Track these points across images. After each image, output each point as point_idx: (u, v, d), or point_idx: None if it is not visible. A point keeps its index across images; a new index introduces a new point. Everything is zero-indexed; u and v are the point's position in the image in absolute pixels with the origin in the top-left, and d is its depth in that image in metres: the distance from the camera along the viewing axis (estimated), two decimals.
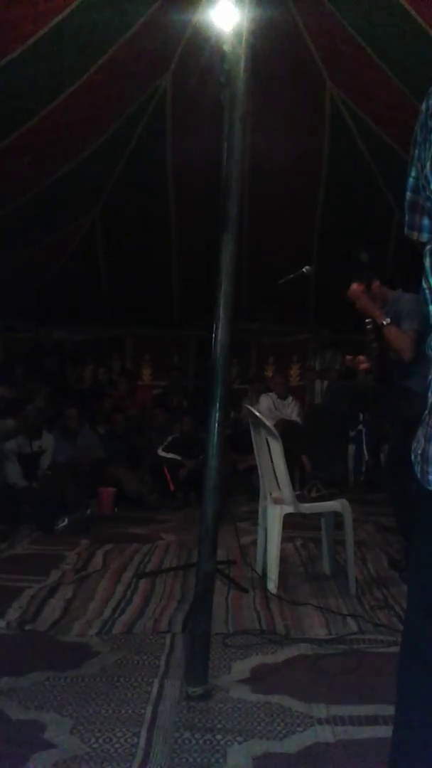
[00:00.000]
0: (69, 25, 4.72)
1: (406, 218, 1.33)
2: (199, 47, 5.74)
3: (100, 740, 2.14)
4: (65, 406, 6.91)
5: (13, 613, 3.30)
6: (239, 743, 2.14)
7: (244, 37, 2.80)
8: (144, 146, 7.01)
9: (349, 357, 4.44)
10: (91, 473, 6.49)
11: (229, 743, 2.14)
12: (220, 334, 2.64)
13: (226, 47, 2.99)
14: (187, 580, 3.83)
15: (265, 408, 7.58)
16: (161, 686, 2.53)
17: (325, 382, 8.13)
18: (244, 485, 6.65)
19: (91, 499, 5.98)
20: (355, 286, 3.97)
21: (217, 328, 2.64)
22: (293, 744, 2.15)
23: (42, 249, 7.71)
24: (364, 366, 4.16)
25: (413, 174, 1.29)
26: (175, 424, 7.60)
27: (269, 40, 5.31)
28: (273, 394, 8.00)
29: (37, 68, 4.93)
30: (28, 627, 3.14)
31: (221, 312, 2.64)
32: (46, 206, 6.72)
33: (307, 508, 3.84)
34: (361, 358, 4.15)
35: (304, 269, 4.93)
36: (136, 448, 7.45)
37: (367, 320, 3.98)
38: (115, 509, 6.22)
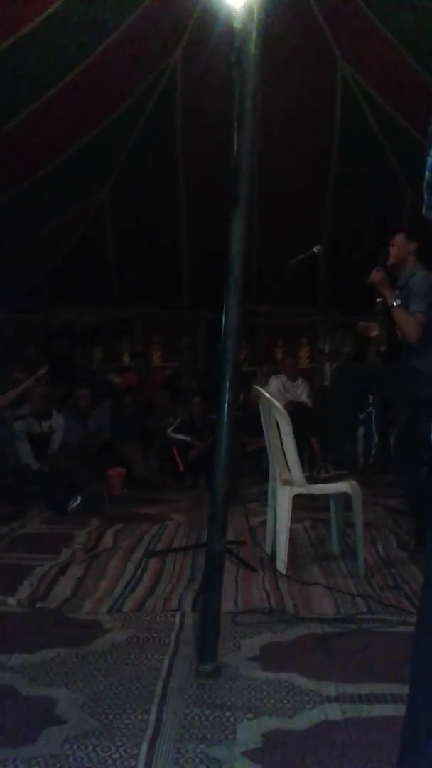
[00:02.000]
0: (79, 2, 4.67)
1: (426, 199, 1.30)
2: (210, 25, 5.67)
3: (111, 716, 2.16)
4: (76, 386, 6.91)
5: (24, 591, 3.33)
6: (249, 720, 2.16)
7: (255, 14, 2.76)
8: (153, 126, 6.95)
9: (362, 323, 4.43)
10: (101, 454, 6.53)
11: (238, 720, 2.16)
12: (230, 315, 2.63)
13: (237, 24, 2.96)
14: (197, 559, 3.85)
15: (274, 390, 7.57)
16: (171, 663, 2.55)
17: (335, 365, 8.13)
18: (253, 467, 6.66)
19: (100, 480, 6.01)
20: (375, 273, 3.96)
21: (227, 308, 2.62)
22: (303, 721, 2.16)
23: (51, 230, 7.68)
24: (374, 333, 4.17)
25: None
26: (185, 406, 7.61)
27: (280, 17, 5.24)
28: (282, 376, 7.99)
29: (46, 46, 4.89)
30: (39, 604, 3.17)
31: (231, 292, 2.63)
32: (55, 187, 6.68)
33: (316, 489, 3.85)
34: (373, 324, 4.15)
35: (314, 249, 4.88)
36: (146, 429, 7.47)
37: (378, 299, 3.98)
38: (125, 490, 6.24)
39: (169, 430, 7.15)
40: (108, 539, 4.42)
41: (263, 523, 4.36)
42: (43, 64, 5.08)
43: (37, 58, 4.95)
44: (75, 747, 1.98)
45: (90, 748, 1.97)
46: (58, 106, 5.51)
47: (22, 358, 8.09)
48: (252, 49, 2.68)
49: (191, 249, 8.58)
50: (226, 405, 2.61)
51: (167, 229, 8.20)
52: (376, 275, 3.96)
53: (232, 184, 2.64)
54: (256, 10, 2.79)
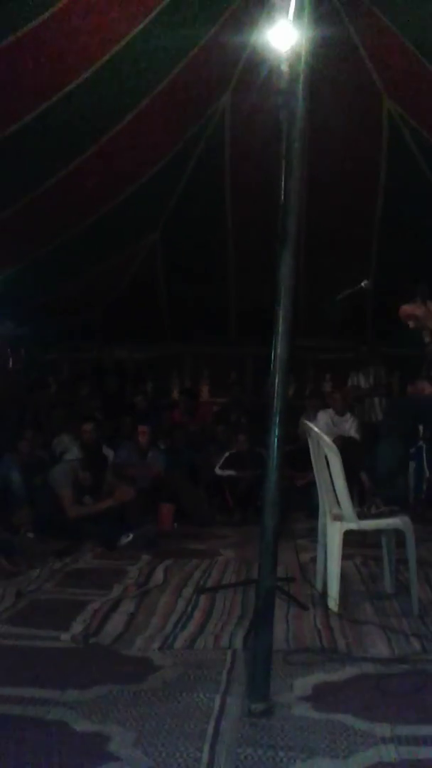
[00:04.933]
0: (130, 51, 4.85)
1: None
2: (257, 69, 5.82)
3: (164, 754, 2.15)
4: (137, 423, 6.98)
5: (77, 627, 3.35)
6: (302, 761, 2.13)
7: (302, 56, 2.84)
8: (203, 167, 7.12)
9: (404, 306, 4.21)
10: (151, 489, 6.56)
11: (292, 761, 2.12)
12: (279, 348, 2.65)
13: (284, 67, 3.04)
14: (247, 596, 3.82)
15: (323, 424, 7.52)
16: (223, 702, 2.53)
17: (383, 399, 8.05)
18: (302, 502, 6.60)
19: (151, 515, 6.04)
20: (405, 306, 3.92)
21: (276, 342, 2.65)
22: (356, 763, 2.12)
23: (105, 271, 7.88)
24: (429, 391, 4.12)
25: None
26: (233, 441, 7.63)
27: (326, 57, 5.35)
28: (331, 411, 7.93)
29: (100, 94, 5.09)
30: (92, 640, 3.19)
31: (280, 326, 2.66)
32: (108, 229, 6.89)
33: (367, 524, 3.80)
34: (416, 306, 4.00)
35: (362, 284, 4.89)
36: (196, 464, 7.50)
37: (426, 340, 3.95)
38: (175, 525, 6.25)
39: (216, 467, 7.18)
40: (159, 575, 4.42)
41: (313, 560, 4.31)
42: (96, 112, 5.27)
43: (91, 105, 5.14)
44: None
45: None
46: (111, 151, 5.71)
47: (77, 395, 8.25)
48: (300, 90, 2.74)
49: (239, 286, 8.68)
50: (275, 438, 2.62)
51: (216, 267, 8.32)
52: (406, 308, 3.89)
53: (281, 221, 2.69)
54: (303, 53, 2.87)
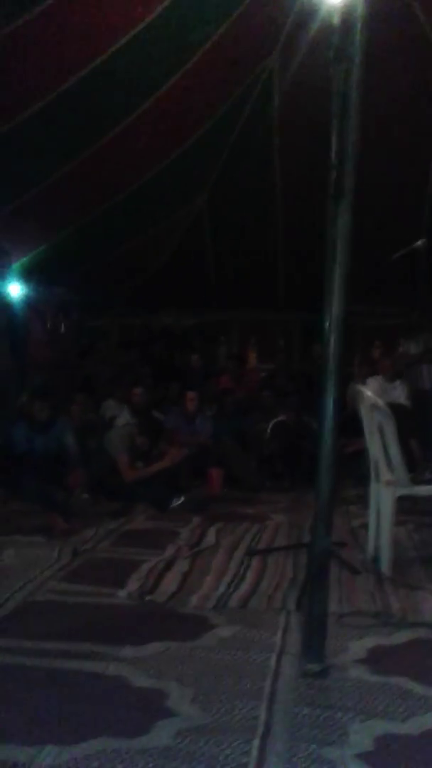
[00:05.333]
0: (176, 8, 4.74)
1: None
2: (306, 24, 5.64)
3: (221, 711, 2.18)
4: (185, 388, 7.00)
5: (133, 585, 3.40)
6: (360, 722, 2.13)
7: (360, 7, 2.73)
8: (251, 129, 6.98)
9: None
10: (199, 455, 6.58)
11: (349, 722, 2.13)
12: (335, 307, 2.60)
13: (336, 20, 2.93)
14: (298, 559, 3.85)
15: (372, 391, 7.42)
16: (278, 662, 2.55)
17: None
18: (351, 469, 6.55)
19: (201, 479, 6.08)
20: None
21: (331, 301, 2.60)
22: (415, 726, 2.11)
23: (152, 237, 7.85)
24: None
25: None
26: (281, 408, 7.60)
27: (378, 12, 5.16)
28: (380, 377, 7.81)
29: (147, 53, 5.00)
30: (147, 598, 3.24)
31: (335, 284, 2.60)
32: (155, 194, 6.84)
33: (422, 490, 3.76)
34: None
35: (418, 243, 4.74)
36: (243, 430, 7.50)
37: None
38: (224, 490, 6.27)
39: (265, 432, 7.18)
40: (210, 537, 4.46)
41: (364, 526, 4.29)
42: (143, 73, 5.20)
43: (138, 66, 5.07)
44: (187, 741, 2.00)
45: (202, 742, 1.99)
46: (158, 113, 5.63)
47: (125, 361, 8.31)
48: (357, 34, 2.64)
49: (287, 251, 8.55)
50: (330, 400, 2.58)
51: (264, 231, 8.21)
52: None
53: (337, 175, 2.61)
54: (360, 4, 2.76)
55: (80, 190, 6.40)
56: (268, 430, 7.20)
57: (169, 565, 3.76)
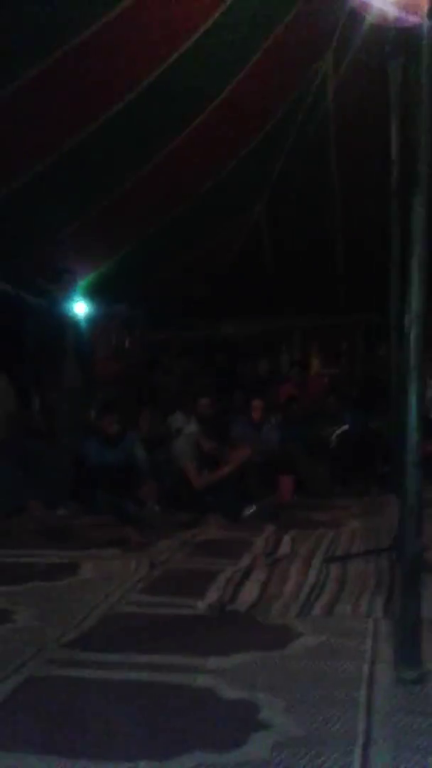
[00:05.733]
0: (231, 14, 4.74)
1: None
2: (359, 21, 5.56)
3: (317, 722, 2.09)
4: (250, 397, 6.95)
5: (212, 595, 3.34)
6: None
7: None
8: (306, 132, 6.92)
9: None
10: (268, 463, 6.51)
11: None
12: (414, 301, 2.52)
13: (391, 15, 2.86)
14: (379, 564, 3.73)
15: None
16: (371, 670, 2.45)
17: None
18: (428, 471, 6.37)
19: (271, 488, 6.00)
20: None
21: (410, 295, 2.53)
22: None
23: (211, 248, 7.85)
24: None
25: None
26: (347, 413, 7.49)
27: None
28: None
29: (204, 61, 5.02)
30: (228, 608, 3.18)
31: (415, 278, 2.52)
32: (213, 203, 6.84)
33: None
34: None
35: None
36: (310, 437, 7.40)
37: None
38: (295, 497, 6.18)
39: (333, 437, 7.07)
40: (286, 545, 4.37)
41: None
42: (200, 79, 5.21)
43: (195, 73, 5.08)
44: (284, 753, 1.92)
45: (301, 754, 1.91)
46: (216, 120, 5.63)
47: (189, 373, 8.33)
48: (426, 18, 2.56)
49: (347, 252, 8.43)
50: (414, 396, 2.49)
51: (322, 233, 8.11)
52: None
53: (413, 163, 2.53)
54: None
55: (140, 206, 6.48)
56: (333, 439, 7.09)
57: (246, 574, 3.69)
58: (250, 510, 5.30)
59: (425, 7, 2.54)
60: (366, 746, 1.93)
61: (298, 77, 6.33)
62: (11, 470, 4.61)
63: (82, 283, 7.01)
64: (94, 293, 7.28)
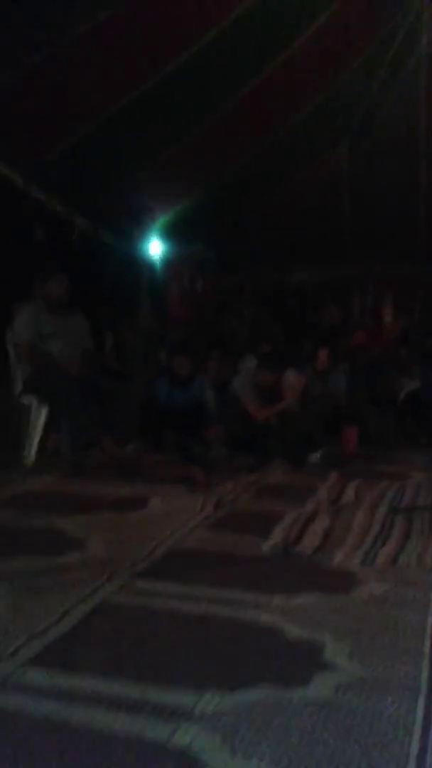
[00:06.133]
0: None
1: None
2: None
3: (380, 668, 2.12)
4: (316, 346, 6.90)
5: (277, 536, 3.40)
6: None
7: None
8: (394, 73, 6.64)
9: None
10: (335, 411, 6.49)
11: None
12: None
13: None
14: None
15: None
16: None
17: None
18: None
19: (336, 437, 5.99)
20: None
21: None
22: None
23: (289, 189, 7.69)
24: None
25: None
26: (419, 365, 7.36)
27: None
28: None
29: None
30: (292, 550, 3.23)
31: None
32: (293, 145, 6.69)
33: None
34: None
35: None
36: (379, 388, 7.31)
37: None
38: (359, 448, 6.16)
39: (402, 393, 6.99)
40: (350, 493, 4.38)
41: None
42: (279, 16, 5.03)
43: (276, 11, 4.91)
44: (349, 694, 1.96)
45: (363, 697, 1.94)
46: (299, 57, 5.46)
47: (259, 317, 8.29)
48: None
49: (429, 200, 8.14)
50: None
51: (405, 179, 7.83)
52: None
53: None
54: None
55: (218, 146, 6.37)
56: (402, 395, 7.01)
57: (310, 519, 3.72)
58: (315, 456, 5.32)
59: None
60: (430, 695, 1.95)
61: (389, 14, 6.03)
62: (86, 406, 4.73)
63: (158, 222, 6.99)
64: (169, 234, 7.26)
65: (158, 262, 7.24)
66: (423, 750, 1.70)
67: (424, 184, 7.96)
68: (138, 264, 6.94)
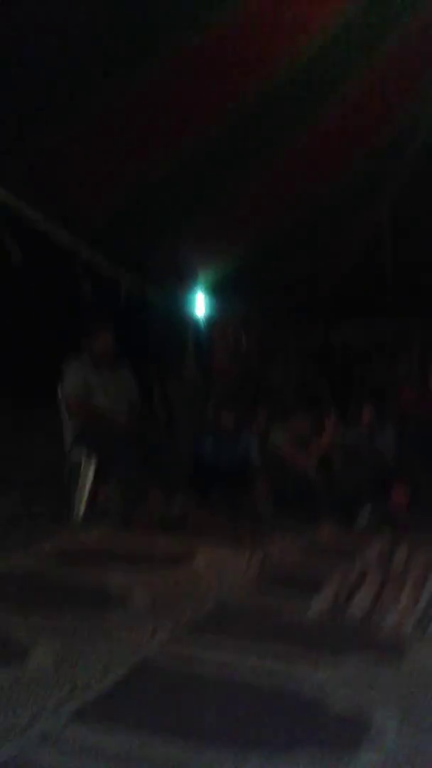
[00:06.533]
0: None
1: None
2: None
3: (430, 745, 2.02)
4: (363, 402, 6.84)
5: (325, 600, 3.31)
6: None
7: None
8: None
9: None
10: (383, 470, 6.37)
11: None
12: None
13: None
14: None
15: None
16: None
17: None
18: None
19: (385, 497, 5.86)
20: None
21: None
22: None
23: (333, 248, 7.75)
24: None
25: None
26: None
27: None
28: None
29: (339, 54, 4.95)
30: (340, 615, 3.14)
31: None
32: (339, 201, 6.75)
33: None
34: None
35: None
36: (429, 446, 7.17)
37: None
38: (409, 512, 5.99)
39: None
40: (400, 555, 4.26)
41: None
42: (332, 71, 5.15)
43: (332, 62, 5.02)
44: None
45: None
46: (344, 112, 5.55)
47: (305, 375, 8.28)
48: None
49: None
50: None
51: None
52: None
53: None
54: None
55: (263, 204, 6.47)
56: None
57: (359, 581, 3.63)
58: (364, 516, 5.21)
59: None
60: None
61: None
62: (134, 460, 4.76)
63: (203, 279, 7.10)
64: (213, 290, 7.36)
65: (203, 318, 7.34)
66: None
67: None
68: (183, 320, 7.03)
